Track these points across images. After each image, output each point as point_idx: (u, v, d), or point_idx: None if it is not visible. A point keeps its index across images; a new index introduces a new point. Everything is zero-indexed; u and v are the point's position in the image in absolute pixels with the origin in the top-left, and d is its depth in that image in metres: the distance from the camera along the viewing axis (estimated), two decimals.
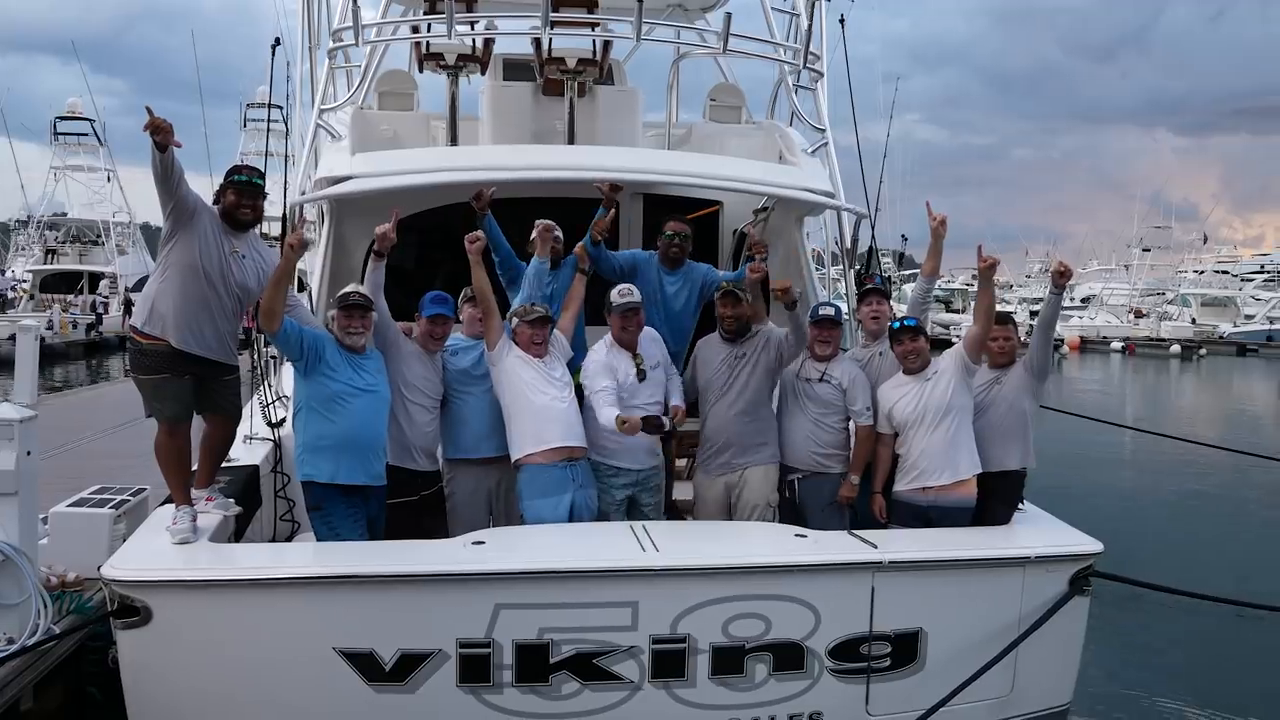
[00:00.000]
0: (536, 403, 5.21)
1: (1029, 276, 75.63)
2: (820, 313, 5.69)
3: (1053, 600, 4.89)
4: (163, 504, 5.11)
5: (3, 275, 36.06)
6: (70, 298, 34.49)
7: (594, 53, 7.69)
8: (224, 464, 5.63)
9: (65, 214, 43.70)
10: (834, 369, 5.59)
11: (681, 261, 6.10)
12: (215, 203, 4.94)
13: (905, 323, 5.39)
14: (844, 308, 5.98)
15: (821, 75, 7.82)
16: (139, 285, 28.96)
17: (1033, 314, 53.80)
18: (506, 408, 5.30)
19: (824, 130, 7.71)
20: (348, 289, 5.16)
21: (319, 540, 5.03)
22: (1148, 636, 7.14)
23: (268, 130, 11.13)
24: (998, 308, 5.50)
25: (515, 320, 5.30)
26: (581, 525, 5.26)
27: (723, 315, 5.68)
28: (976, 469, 5.27)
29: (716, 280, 6.02)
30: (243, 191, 4.92)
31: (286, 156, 7.00)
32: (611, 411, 5.16)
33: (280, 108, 8.81)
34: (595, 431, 5.33)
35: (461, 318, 5.59)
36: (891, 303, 6.32)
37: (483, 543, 4.65)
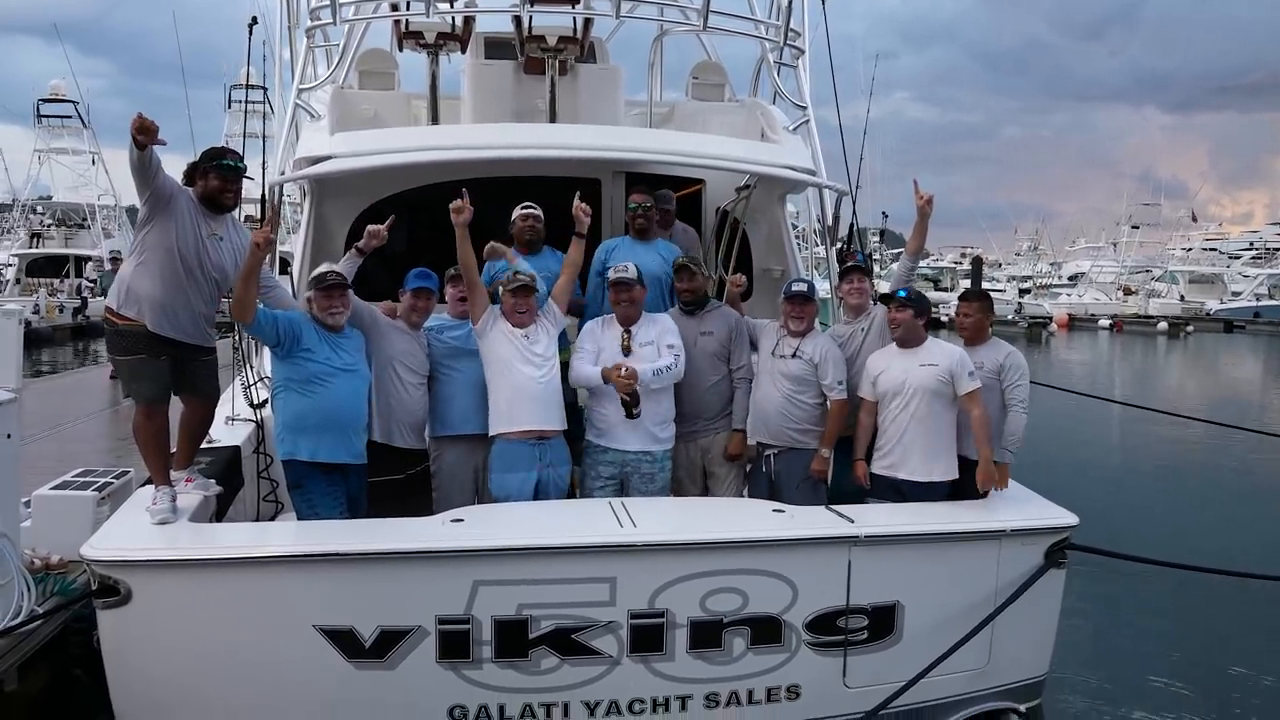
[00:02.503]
0: (512, 381, 5.26)
1: (1018, 255, 75.78)
2: (793, 289, 5.75)
3: (1029, 573, 4.94)
4: (143, 485, 5.11)
5: None
6: (56, 282, 34.38)
7: (575, 30, 7.65)
8: (206, 445, 5.65)
9: (50, 197, 43.43)
10: (806, 345, 5.63)
11: (648, 231, 6.17)
12: (189, 182, 4.91)
13: (898, 294, 5.43)
14: (819, 284, 6.01)
15: (803, 52, 7.80)
16: None
17: (1023, 291, 54.22)
18: (488, 381, 5.36)
19: (805, 108, 7.70)
20: (322, 269, 5.17)
21: (300, 518, 5.06)
22: (1123, 607, 7.22)
23: (245, 112, 11.07)
24: (984, 285, 5.54)
25: (500, 290, 5.32)
26: (560, 502, 5.29)
27: (678, 289, 5.86)
28: (952, 474, 5.32)
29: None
30: (226, 176, 4.89)
31: (265, 138, 6.96)
32: (585, 369, 5.43)
33: (263, 88, 8.76)
34: (590, 409, 5.56)
35: (446, 297, 5.61)
36: (875, 279, 6.37)
37: (461, 520, 4.67)
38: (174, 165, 4.89)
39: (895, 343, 5.45)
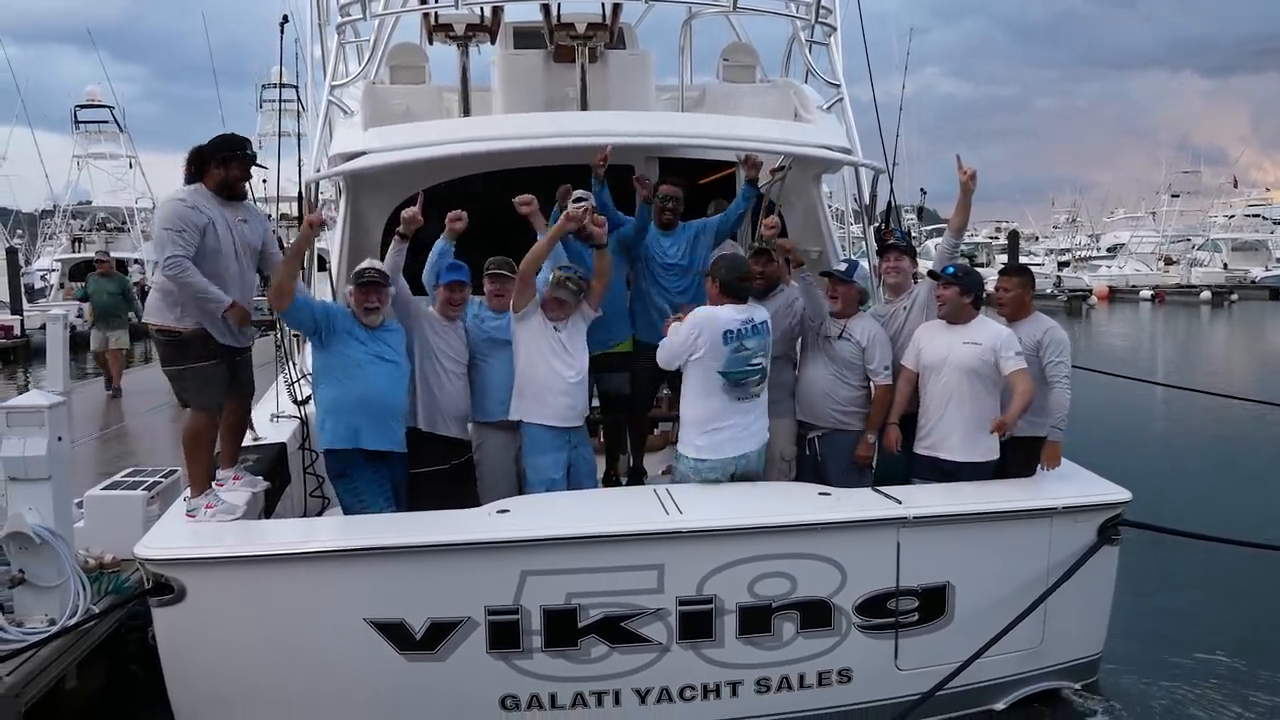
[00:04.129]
0: (543, 373, 5.33)
1: (1056, 228, 74.67)
2: (832, 268, 5.76)
3: (1081, 551, 4.89)
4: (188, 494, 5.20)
5: (28, 266, 36.28)
6: None
7: (604, 17, 7.62)
8: (253, 442, 5.73)
9: (89, 202, 44.03)
10: (854, 326, 5.56)
11: (674, 224, 6.18)
12: (199, 170, 4.89)
13: (945, 271, 5.39)
14: (863, 264, 5.94)
15: (835, 30, 7.70)
16: None
17: (1061, 264, 53.37)
18: (517, 367, 5.42)
19: (839, 86, 7.60)
20: (363, 265, 5.20)
21: (344, 508, 5.10)
22: (1179, 584, 7.09)
23: (279, 110, 11.13)
24: (1021, 260, 5.46)
25: (553, 280, 5.34)
26: (606, 490, 5.29)
27: (754, 271, 5.64)
28: (993, 455, 5.24)
29: (711, 227, 6.14)
30: (247, 165, 4.96)
31: (299, 136, 6.98)
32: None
33: (295, 86, 8.80)
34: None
35: (485, 291, 5.63)
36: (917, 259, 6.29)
37: (507, 511, 4.69)
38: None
39: (943, 319, 5.38)
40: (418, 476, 5.34)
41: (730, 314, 5.06)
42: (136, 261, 33.06)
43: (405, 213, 5.29)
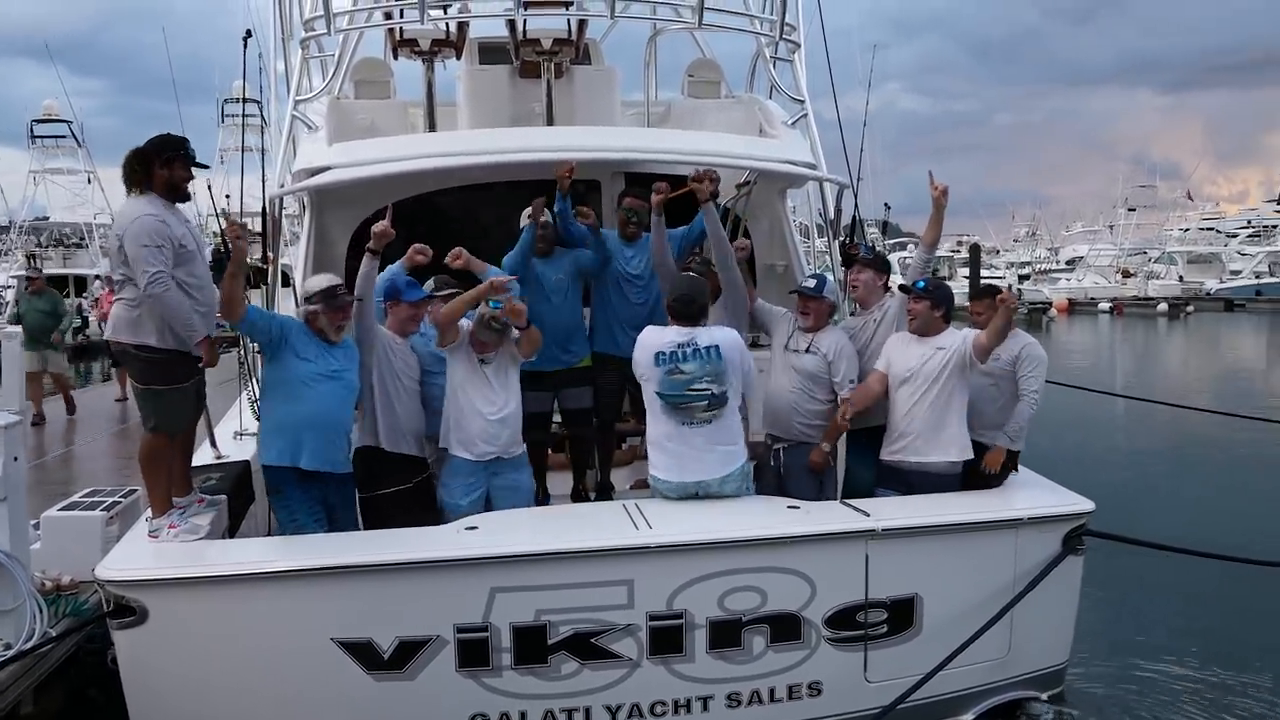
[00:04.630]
0: (465, 408, 5.26)
1: (1016, 241, 75.71)
2: (800, 284, 5.79)
3: (1047, 561, 4.93)
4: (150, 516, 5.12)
5: None
6: None
7: (569, 32, 7.62)
8: (217, 460, 5.67)
9: (47, 218, 43.33)
10: (820, 340, 5.59)
11: (638, 236, 6.20)
12: (145, 172, 4.72)
13: (916, 284, 5.44)
14: (830, 279, 5.98)
15: (799, 46, 7.76)
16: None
17: (1022, 278, 54.07)
18: (446, 397, 5.36)
19: (803, 101, 7.67)
20: (330, 283, 5.13)
21: (281, 527, 5.03)
22: (1142, 594, 7.18)
23: (243, 125, 11.05)
24: (982, 273, 5.55)
25: (480, 317, 5.23)
26: (574, 506, 5.26)
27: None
28: (966, 455, 5.29)
29: (675, 239, 6.10)
30: (190, 166, 4.83)
31: (263, 151, 6.92)
32: None
33: (258, 101, 8.73)
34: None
35: (430, 308, 5.60)
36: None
37: (476, 528, 4.66)
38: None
39: (913, 333, 5.43)
40: (384, 497, 5.28)
41: (665, 335, 5.02)
42: (97, 278, 32.53)
43: (376, 227, 5.23)
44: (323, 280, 5.19)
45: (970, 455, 5.31)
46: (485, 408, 5.25)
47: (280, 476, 4.98)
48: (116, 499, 6.23)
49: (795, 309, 5.75)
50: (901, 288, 5.64)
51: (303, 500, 4.98)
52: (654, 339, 5.04)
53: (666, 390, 4.94)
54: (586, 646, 4.43)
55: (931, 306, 5.34)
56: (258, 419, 5.98)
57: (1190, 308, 46.24)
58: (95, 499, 6.23)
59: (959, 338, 5.30)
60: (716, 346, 4.96)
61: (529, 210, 5.86)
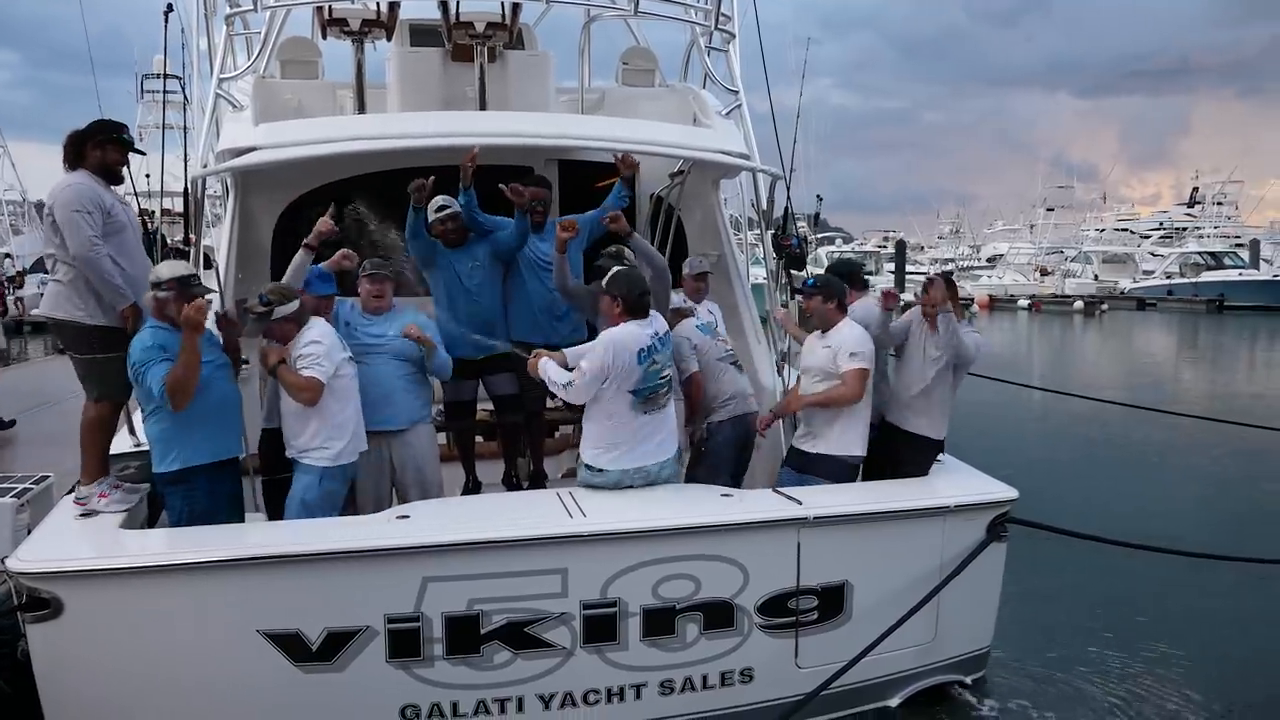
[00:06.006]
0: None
1: (940, 238, 77.29)
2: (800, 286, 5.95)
3: (972, 547, 5.04)
4: (70, 491, 4.94)
5: None
6: None
7: (503, 16, 7.52)
8: (136, 448, 5.48)
9: None
10: (832, 335, 5.60)
11: (544, 223, 6.24)
12: (79, 155, 4.86)
13: (805, 284, 5.69)
14: (755, 270, 6.09)
15: (733, 36, 7.77)
16: (36, 265, 27.57)
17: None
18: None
19: (737, 92, 7.67)
20: (188, 273, 4.85)
21: (176, 519, 4.82)
22: (1060, 579, 7.39)
23: (163, 102, 10.71)
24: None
25: None
26: (508, 494, 5.22)
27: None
28: (855, 450, 5.42)
29: (585, 224, 6.16)
30: (124, 149, 4.99)
31: (185, 129, 6.70)
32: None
33: (179, 78, 8.45)
34: None
35: (360, 292, 5.53)
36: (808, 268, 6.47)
37: (407, 516, 4.59)
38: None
39: (817, 329, 5.64)
40: (288, 480, 5.13)
41: (639, 331, 5.01)
42: (7, 255, 31.28)
43: (320, 224, 5.30)
44: (178, 267, 4.90)
45: (861, 451, 5.45)
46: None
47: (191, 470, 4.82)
48: (28, 485, 5.99)
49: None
50: (794, 290, 5.80)
51: (211, 489, 4.84)
52: (633, 340, 4.96)
53: (644, 384, 4.96)
54: (520, 636, 4.40)
55: (824, 300, 5.53)
56: None
57: (1105, 306, 47.60)
58: (5, 484, 5.99)
59: (840, 338, 5.43)
60: (668, 331, 5.22)
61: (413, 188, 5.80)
